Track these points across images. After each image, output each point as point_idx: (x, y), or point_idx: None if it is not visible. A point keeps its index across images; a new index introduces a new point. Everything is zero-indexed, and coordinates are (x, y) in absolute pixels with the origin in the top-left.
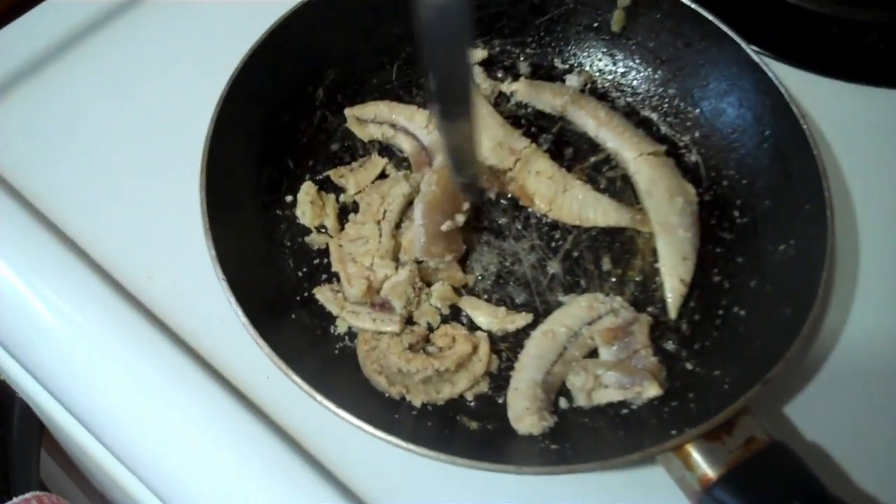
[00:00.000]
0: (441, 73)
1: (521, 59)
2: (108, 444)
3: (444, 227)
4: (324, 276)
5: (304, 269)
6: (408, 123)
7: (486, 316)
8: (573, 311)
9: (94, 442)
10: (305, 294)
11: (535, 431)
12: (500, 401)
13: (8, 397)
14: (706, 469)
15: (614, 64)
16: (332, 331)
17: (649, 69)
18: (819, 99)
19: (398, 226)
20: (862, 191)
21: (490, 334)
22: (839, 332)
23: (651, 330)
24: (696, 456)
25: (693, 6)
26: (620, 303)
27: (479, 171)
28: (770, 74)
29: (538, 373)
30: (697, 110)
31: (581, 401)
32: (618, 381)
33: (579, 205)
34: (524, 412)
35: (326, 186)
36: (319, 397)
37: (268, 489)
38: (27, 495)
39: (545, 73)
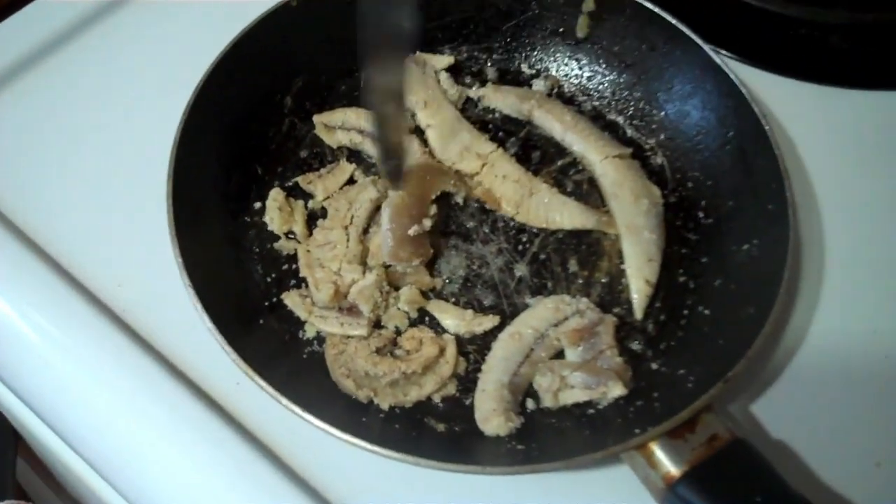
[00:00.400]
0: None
1: (489, 64)
2: (80, 450)
3: (411, 232)
4: (292, 282)
5: (273, 275)
6: None
7: (454, 319)
8: (540, 313)
9: (68, 449)
10: (274, 300)
11: (501, 432)
12: (468, 402)
13: None
14: (669, 467)
15: (580, 68)
16: (300, 335)
17: (614, 73)
18: (783, 100)
19: (366, 231)
20: (826, 191)
21: (457, 337)
22: (805, 330)
23: (617, 330)
24: (660, 454)
25: (656, 10)
26: (587, 304)
27: (403, 159)
28: (732, 76)
29: (505, 374)
30: (662, 113)
31: (548, 401)
32: (583, 381)
33: (546, 208)
34: (491, 413)
35: (295, 193)
36: (285, 401)
37: (239, 494)
38: (4, 502)
39: (512, 78)
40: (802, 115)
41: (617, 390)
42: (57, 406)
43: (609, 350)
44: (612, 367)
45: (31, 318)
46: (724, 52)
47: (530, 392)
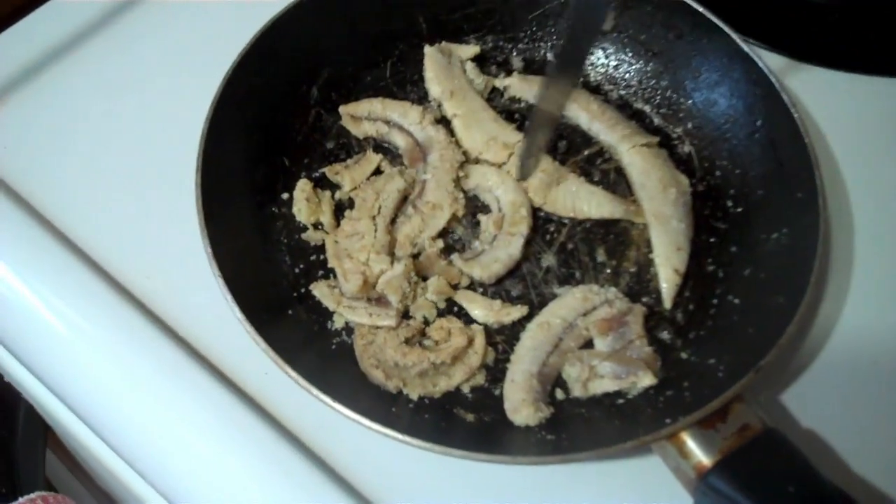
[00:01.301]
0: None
1: (514, 54)
2: (111, 441)
3: None
4: (320, 273)
5: (301, 266)
6: (402, 120)
7: (482, 309)
8: (568, 303)
9: (98, 441)
10: (302, 290)
11: (531, 422)
12: (497, 393)
13: (12, 398)
14: (701, 457)
15: (606, 57)
16: (329, 326)
17: (641, 62)
18: (813, 88)
19: (393, 221)
20: (856, 179)
21: (486, 327)
22: (835, 319)
23: (646, 320)
24: (691, 444)
25: None
26: (615, 293)
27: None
28: (760, 64)
29: (534, 364)
30: (690, 101)
31: (577, 391)
32: (613, 371)
33: (573, 197)
34: (520, 403)
35: (322, 184)
36: (315, 391)
37: (267, 483)
38: (32, 495)
39: (538, 68)
40: (832, 103)
41: (647, 380)
42: (86, 397)
43: (638, 340)
44: (642, 357)
45: (61, 311)
46: (752, 40)
47: (559, 382)
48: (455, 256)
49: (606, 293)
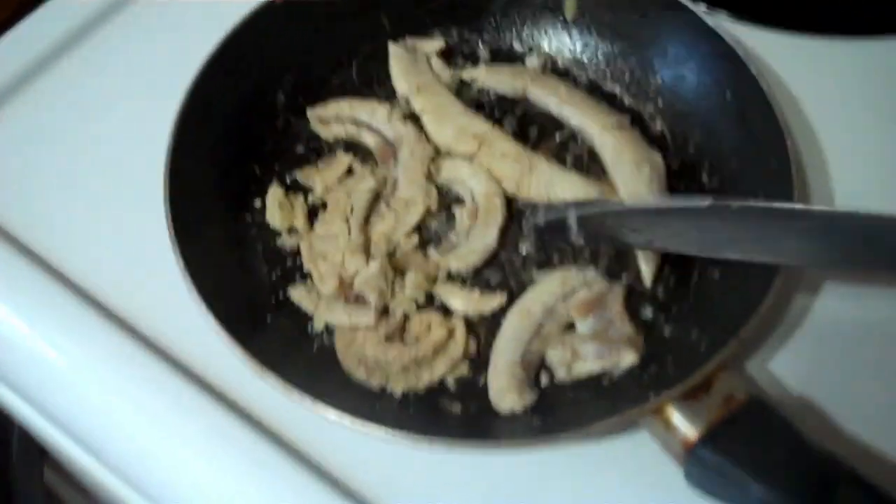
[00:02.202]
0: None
1: (480, 45)
2: (104, 460)
3: None
4: (298, 277)
5: (278, 272)
6: (370, 119)
7: (461, 300)
8: (547, 288)
9: (92, 460)
10: (281, 296)
11: (516, 408)
12: (481, 382)
13: (5, 423)
14: (687, 430)
15: (572, 41)
16: (309, 330)
17: (608, 43)
18: (782, 56)
19: (367, 220)
20: (833, 144)
21: (466, 318)
22: (820, 283)
23: (626, 299)
24: (677, 417)
25: None
26: (594, 275)
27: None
28: (725, 37)
29: (516, 351)
30: (659, 79)
31: (561, 374)
32: (596, 352)
33: (547, 183)
34: (505, 390)
35: (295, 188)
36: (297, 395)
37: (259, 488)
38: None
39: (505, 57)
40: (803, 69)
41: (629, 358)
42: (75, 418)
43: (619, 319)
44: (624, 336)
45: (44, 333)
46: (718, 10)
47: (545, 366)
48: (431, 250)
49: (585, 275)
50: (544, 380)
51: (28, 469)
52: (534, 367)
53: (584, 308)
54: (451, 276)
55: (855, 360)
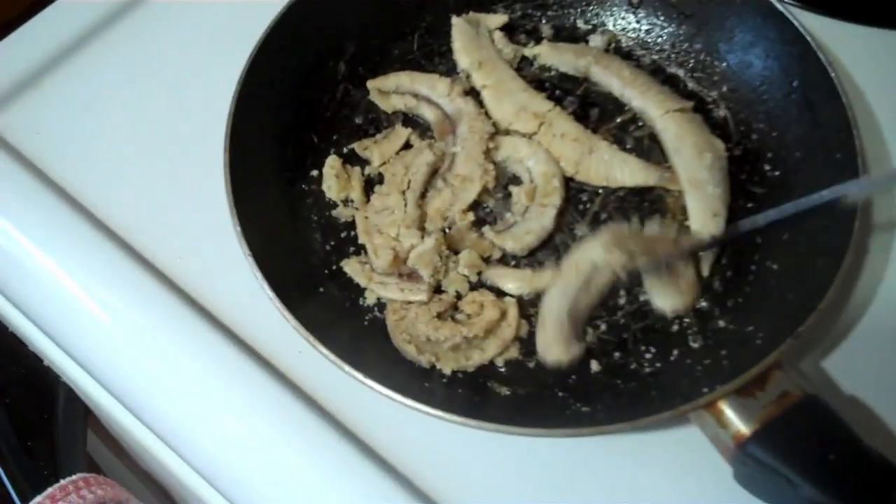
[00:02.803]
0: None
1: (543, 21)
2: (147, 422)
3: None
4: (351, 249)
5: (332, 243)
6: (430, 92)
7: (514, 281)
8: (597, 242)
9: (135, 421)
10: (334, 267)
11: (562, 360)
12: (531, 365)
13: (52, 381)
14: (739, 425)
15: (637, 21)
16: (361, 303)
17: (673, 25)
18: (850, 47)
19: (423, 195)
20: None
21: (519, 299)
22: (878, 282)
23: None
24: (729, 413)
25: None
26: (640, 229)
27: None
28: (795, 23)
29: (564, 303)
30: (724, 64)
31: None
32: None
33: (606, 166)
34: (552, 341)
35: (352, 159)
36: (348, 368)
37: (303, 460)
38: (74, 477)
39: (568, 35)
40: (870, 62)
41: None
42: (123, 380)
43: (683, 267)
44: (686, 281)
45: (97, 294)
46: None
47: (595, 355)
48: (486, 229)
49: (632, 228)
50: (594, 366)
51: (72, 428)
52: (581, 322)
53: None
54: (504, 257)
55: None
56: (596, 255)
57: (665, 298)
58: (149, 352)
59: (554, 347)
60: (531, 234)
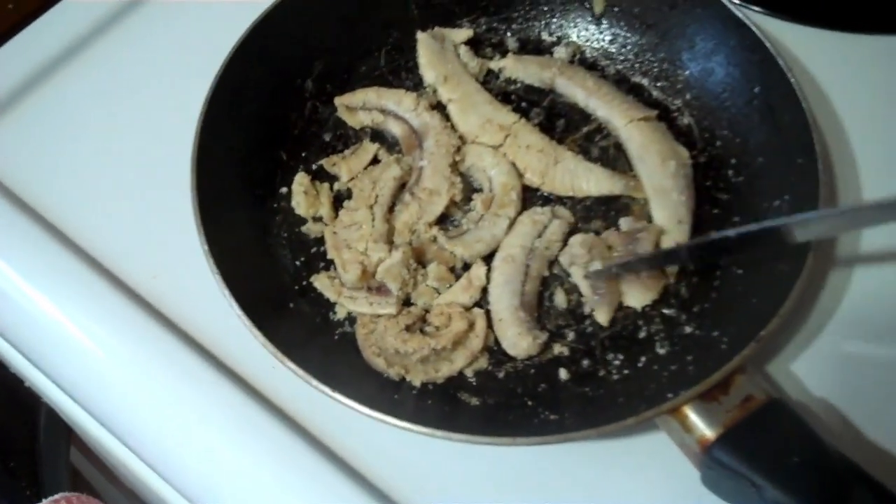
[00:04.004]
0: None
1: (508, 34)
2: (126, 440)
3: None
4: (321, 265)
5: (302, 259)
6: (396, 108)
7: (460, 291)
8: (521, 231)
9: (115, 440)
10: (304, 283)
11: (532, 351)
12: (501, 375)
13: (33, 402)
14: (704, 430)
15: (601, 32)
16: (331, 317)
17: (636, 35)
18: (813, 52)
19: (391, 209)
20: (862, 142)
21: (487, 310)
22: (845, 286)
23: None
24: (694, 417)
25: None
26: (563, 210)
27: None
28: (755, 29)
29: (514, 297)
30: (687, 72)
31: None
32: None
33: (571, 175)
34: (517, 337)
35: (320, 176)
36: (315, 382)
37: (277, 475)
38: (56, 496)
39: (533, 48)
40: (833, 65)
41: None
42: (100, 399)
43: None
44: (650, 276)
45: (72, 314)
46: (747, 5)
47: (562, 362)
48: (439, 234)
49: (552, 210)
50: (563, 374)
51: (54, 447)
52: (534, 310)
53: (616, 239)
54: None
55: (877, 364)
56: (525, 241)
57: (633, 296)
58: (124, 370)
59: (521, 342)
60: (481, 243)
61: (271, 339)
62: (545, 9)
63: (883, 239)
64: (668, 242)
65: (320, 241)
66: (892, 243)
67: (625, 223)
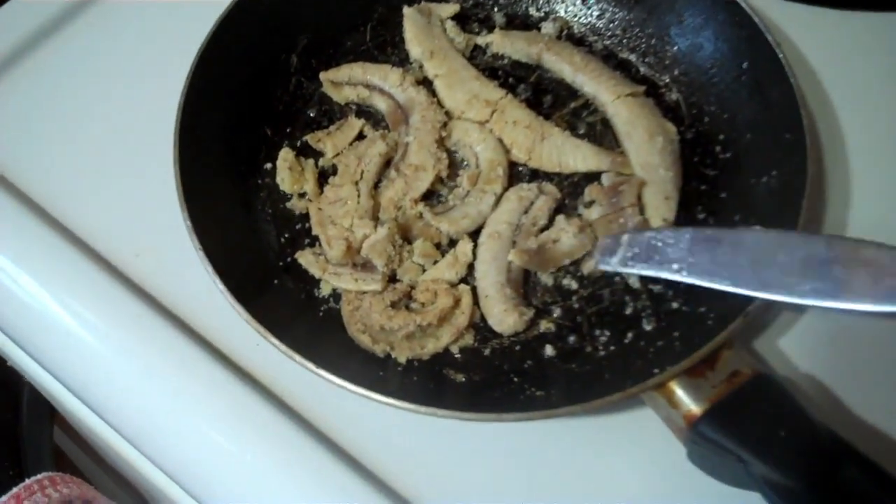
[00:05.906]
0: None
1: (496, 10)
2: (108, 418)
3: None
4: (306, 241)
5: (286, 235)
6: (382, 83)
7: (447, 268)
8: (507, 207)
9: (98, 419)
10: (288, 259)
11: (519, 328)
12: (487, 352)
13: (16, 382)
14: (690, 405)
15: (588, 8)
16: (316, 294)
17: (624, 10)
18: (802, 28)
19: (376, 185)
20: (850, 116)
21: (473, 287)
22: None
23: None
24: (680, 393)
25: None
26: (546, 186)
27: None
28: (744, 5)
29: (500, 274)
30: (675, 48)
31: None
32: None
33: (559, 152)
34: (503, 314)
35: (305, 152)
36: (299, 358)
37: (262, 452)
38: (39, 476)
39: (520, 23)
40: (822, 42)
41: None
42: (81, 377)
43: (630, 208)
44: (634, 224)
45: (54, 293)
46: None
47: (549, 339)
48: (425, 210)
49: (537, 187)
50: (549, 351)
51: (37, 427)
52: (520, 286)
53: (599, 192)
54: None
55: (864, 339)
56: (510, 217)
57: None
58: (107, 349)
59: (508, 318)
60: (467, 219)
61: (255, 316)
62: None
63: (871, 213)
64: (655, 219)
65: (305, 217)
66: (881, 222)
67: (606, 178)
